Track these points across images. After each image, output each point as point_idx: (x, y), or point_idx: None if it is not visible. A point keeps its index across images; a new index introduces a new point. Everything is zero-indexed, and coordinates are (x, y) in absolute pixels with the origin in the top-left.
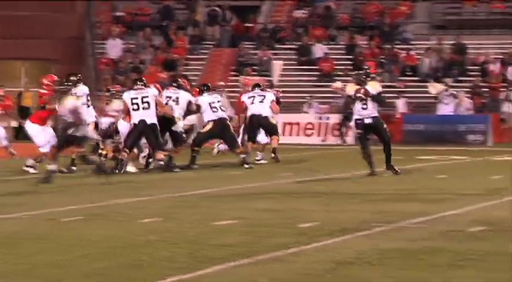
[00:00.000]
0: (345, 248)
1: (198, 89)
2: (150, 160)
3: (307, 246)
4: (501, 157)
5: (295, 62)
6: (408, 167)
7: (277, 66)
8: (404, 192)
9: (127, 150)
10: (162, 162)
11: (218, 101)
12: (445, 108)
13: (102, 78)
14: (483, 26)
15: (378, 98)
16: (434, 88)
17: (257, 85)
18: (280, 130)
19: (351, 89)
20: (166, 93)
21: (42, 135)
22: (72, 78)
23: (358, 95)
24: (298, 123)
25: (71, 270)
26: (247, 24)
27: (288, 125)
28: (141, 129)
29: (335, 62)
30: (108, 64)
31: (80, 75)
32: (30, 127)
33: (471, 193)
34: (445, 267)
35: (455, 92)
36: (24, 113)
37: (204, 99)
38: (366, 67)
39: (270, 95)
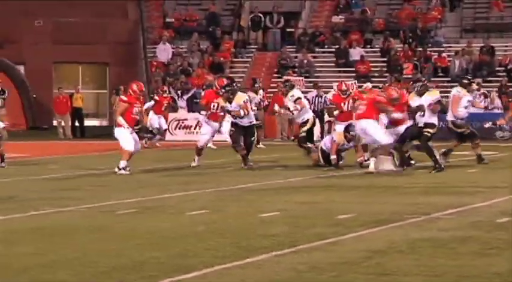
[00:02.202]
0: (379, 238)
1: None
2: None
3: (344, 237)
4: None
5: (334, 64)
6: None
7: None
8: (437, 186)
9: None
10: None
11: None
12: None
13: (154, 80)
14: (510, 29)
15: (441, 106)
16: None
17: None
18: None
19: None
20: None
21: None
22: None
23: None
24: None
25: (122, 259)
26: (288, 29)
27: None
28: None
29: (371, 64)
30: (159, 67)
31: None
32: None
33: (499, 186)
34: (474, 255)
35: (486, 92)
36: (75, 113)
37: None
38: (405, 67)
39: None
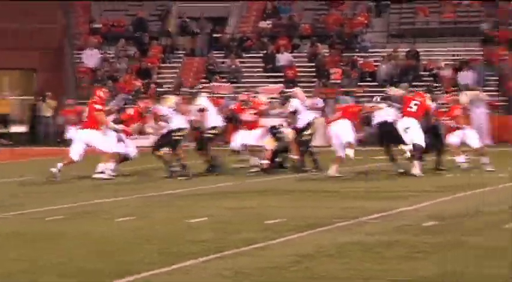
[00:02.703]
0: (308, 242)
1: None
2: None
3: (272, 241)
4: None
5: (261, 69)
6: (371, 165)
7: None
8: (370, 190)
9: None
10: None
11: None
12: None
13: (81, 86)
14: (435, 34)
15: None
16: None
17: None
18: None
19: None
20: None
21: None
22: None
23: None
24: None
25: (44, 266)
26: (216, 35)
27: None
28: None
29: (299, 69)
30: (86, 73)
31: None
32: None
33: (427, 190)
34: (400, 259)
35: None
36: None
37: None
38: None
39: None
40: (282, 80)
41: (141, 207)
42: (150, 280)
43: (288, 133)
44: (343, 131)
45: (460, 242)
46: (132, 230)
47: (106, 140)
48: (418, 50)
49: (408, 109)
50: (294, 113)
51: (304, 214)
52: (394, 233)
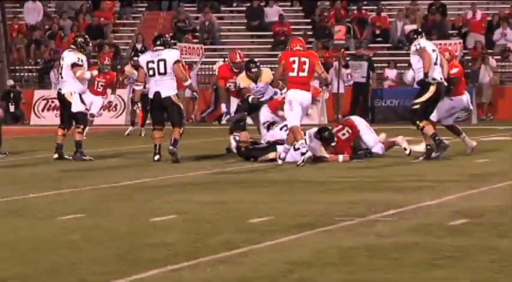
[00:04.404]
0: (303, 246)
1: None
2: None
3: (258, 245)
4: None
5: (245, 27)
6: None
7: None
8: (372, 180)
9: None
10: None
11: None
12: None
13: (15, 49)
14: None
15: None
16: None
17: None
18: None
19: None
20: None
21: None
22: None
23: None
24: None
25: None
26: None
27: None
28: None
29: (292, 27)
30: (20, 31)
31: None
32: None
33: (452, 180)
34: (420, 267)
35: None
36: None
37: None
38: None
39: None
40: (271, 40)
41: (92, 202)
42: None
43: None
44: None
45: (494, 245)
46: (79, 231)
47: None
48: (443, 2)
49: None
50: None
51: (296, 211)
52: (412, 234)
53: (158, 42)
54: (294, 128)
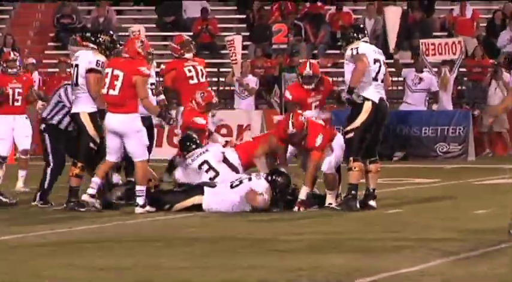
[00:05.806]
0: None
1: None
2: None
3: None
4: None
5: (155, 26)
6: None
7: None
8: (332, 238)
9: None
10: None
11: None
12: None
13: None
14: None
15: None
16: None
17: None
18: None
19: None
20: None
21: None
22: None
23: None
24: None
25: None
26: None
27: None
28: None
29: (220, 25)
30: None
31: None
32: None
33: (440, 238)
34: None
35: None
36: None
37: None
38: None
39: None
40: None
41: None
42: None
43: None
44: None
45: None
46: None
47: None
48: None
49: None
50: None
51: (231, 279)
52: None
53: None
54: None
